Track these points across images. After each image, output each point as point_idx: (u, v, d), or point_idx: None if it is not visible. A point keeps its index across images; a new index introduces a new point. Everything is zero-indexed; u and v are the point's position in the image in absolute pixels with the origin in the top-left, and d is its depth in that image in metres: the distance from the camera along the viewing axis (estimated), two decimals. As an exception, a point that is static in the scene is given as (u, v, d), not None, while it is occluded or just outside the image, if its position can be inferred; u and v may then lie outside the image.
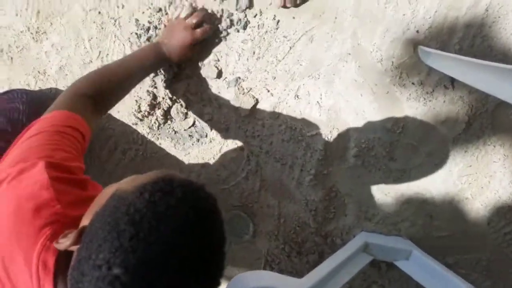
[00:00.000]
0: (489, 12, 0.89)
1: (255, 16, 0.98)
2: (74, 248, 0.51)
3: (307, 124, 1.05)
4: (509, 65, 0.69)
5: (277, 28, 0.99)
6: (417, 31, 0.93)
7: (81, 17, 1.07)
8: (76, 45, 1.09)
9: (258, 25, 0.99)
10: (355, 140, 1.04)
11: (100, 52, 1.09)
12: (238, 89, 1.05)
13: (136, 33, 1.04)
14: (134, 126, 1.14)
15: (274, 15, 0.98)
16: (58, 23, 1.08)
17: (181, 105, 1.09)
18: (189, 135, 1.13)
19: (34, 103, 1.01)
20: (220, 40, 1.02)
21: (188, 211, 0.49)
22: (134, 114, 1.11)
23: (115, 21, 1.05)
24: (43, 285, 0.55)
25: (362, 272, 1.08)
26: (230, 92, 1.06)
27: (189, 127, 1.12)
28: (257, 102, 1.06)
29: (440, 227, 1.08)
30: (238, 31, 1.00)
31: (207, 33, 0.98)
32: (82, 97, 0.80)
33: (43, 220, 0.57)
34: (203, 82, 1.06)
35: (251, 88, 1.05)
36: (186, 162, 1.17)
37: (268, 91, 1.04)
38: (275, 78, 1.03)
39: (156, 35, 1.04)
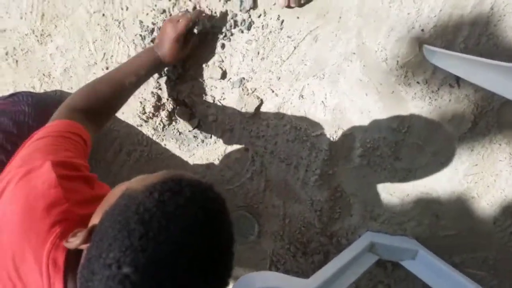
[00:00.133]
0: (494, 11, 0.89)
1: (259, 17, 0.99)
2: (84, 246, 0.52)
3: (312, 124, 1.05)
4: (516, 63, 0.69)
5: (281, 28, 0.99)
6: (422, 30, 0.92)
7: (85, 20, 1.07)
8: (81, 47, 1.10)
9: (262, 26, 0.99)
10: (360, 140, 1.04)
11: (104, 54, 1.09)
12: (243, 89, 1.05)
13: (141, 35, 1.05)
14: (139, 128, 1.14)
15: (278, 15, 0.98)
16: (62, 25, 1.09)
17: (186, 106, 1.09)
18: (194, 136, 1.13)
19: (40, 105, 1.01)
20: (224, 41, 1.02)
21: (197, 211, 0.49)
22: (139, 116, 1.11)
23: (119, 23, 1.06)
24: (53, 283, 0.56)
25: (368, 272, 1.08)
26: (234, 93, 1.06)
27: (194, 128, 1.12)
28: (261, 102, 1.06)
29: (446, 226, 1.08)
30: (242, 31, 1.00)
31: (190, 21, 0.92)
32: (77, 111, 0.81)
33: (52, 218, 0.58)
34: (207, 83, 1.07)
35: (255, 89, 1.05)
36: (191, 163, 1.17)
37: (273, 91, 1.04)
38: (279, 78, 1.03)
39: (160, 37, 1.04)
